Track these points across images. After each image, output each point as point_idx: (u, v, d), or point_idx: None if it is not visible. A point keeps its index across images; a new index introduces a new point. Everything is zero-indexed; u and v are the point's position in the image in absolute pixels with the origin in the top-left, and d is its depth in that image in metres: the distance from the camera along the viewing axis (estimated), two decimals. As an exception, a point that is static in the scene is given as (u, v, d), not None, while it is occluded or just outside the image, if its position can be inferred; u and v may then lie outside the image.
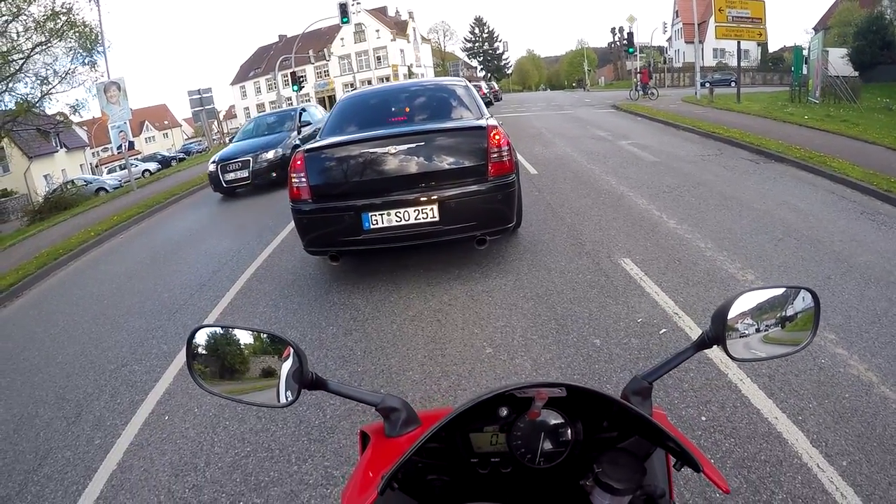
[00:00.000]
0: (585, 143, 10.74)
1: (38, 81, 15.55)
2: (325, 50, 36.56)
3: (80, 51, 15.93)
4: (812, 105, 15.48)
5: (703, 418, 2.40)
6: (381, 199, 3.86)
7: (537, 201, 6.28)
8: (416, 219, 3.85)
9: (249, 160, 9.32)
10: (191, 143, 43.12)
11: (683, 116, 13.81)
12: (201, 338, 0.90)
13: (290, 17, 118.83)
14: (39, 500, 2.51)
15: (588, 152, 9.57)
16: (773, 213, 5.33)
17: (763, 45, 38.54)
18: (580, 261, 4.34)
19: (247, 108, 52.21)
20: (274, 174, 9.24)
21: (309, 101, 49.20)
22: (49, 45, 15.15)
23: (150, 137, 55.31)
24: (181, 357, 3.57)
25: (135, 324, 4.47)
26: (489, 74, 66.88)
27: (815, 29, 31.86)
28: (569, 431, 0.81)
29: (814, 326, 0.90)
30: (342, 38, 49.42)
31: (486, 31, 71.77)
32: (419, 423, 0.88)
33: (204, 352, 0.90)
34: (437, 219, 3.84)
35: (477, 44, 71.70)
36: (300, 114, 11.05)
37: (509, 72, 74.65)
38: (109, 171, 30.13)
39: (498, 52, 72.37)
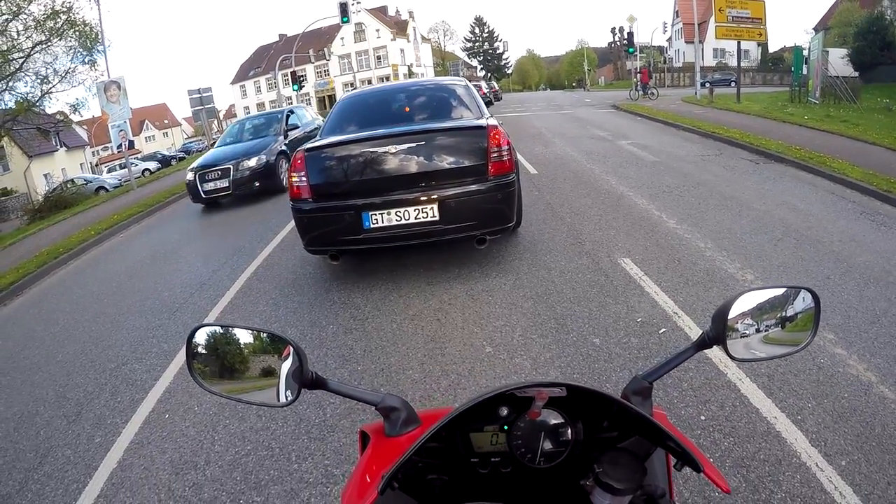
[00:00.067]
0: (585, 143, 10.74)
1: (38, 80, 15.55)
2: (326, 49, 36.54)
3: (81, 50, 15.91)
4: (812, 105, 15.47)
5: (703, 417, 2.40)
6: (381, 198, 3.86)
7: (537, 201, 6.28)
8: (416, 218, 3.85)
9: (230, 168, 8.48)
10: (191, 142, 43.06)
11: (683, 116, 13.81)
12: (201, 337, 0.90)
13: (291, 17, 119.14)
14: (40, 498, 2.52)
15: (588, 152, 9.57)
16: (772, 213, 5.33)
17: (763, 46, 38.53)
18: (580, 260, 4.34)
19: (247, 108, 52.17)
20: (257, 184, 8.57)
21: (309, 100, 49.33)
22: (49, 43, 15.13)
23: (150, 136, 55.30)
24: (181, 356, 3.57)
25: (135, 322, 4.47)
26: (489, 74, 66.85)
27: (816, 29, 31.85)
28: (569, 431, 0.81)
29: (814, 327, 0.90)
30: (342, 38, 49.39)
31: (486, 30, 71.75)
32: (419, 422, 0.88)
33: (204, 351, 0.90)
34: (437, 218, 3.85)
35: (477, 43, 71.67)
36: (287, 116, 10.23)
37: (509, 71, 74.62)
38: (109, 170, 30.07)
39: (498, 51, 72.35)
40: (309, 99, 49.88)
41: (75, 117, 18.94)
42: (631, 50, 29.47)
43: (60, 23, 14.97)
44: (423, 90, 5.25)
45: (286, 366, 0.88)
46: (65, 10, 15.00)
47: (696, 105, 17.55)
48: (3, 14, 14.24)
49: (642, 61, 39.13)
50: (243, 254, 5.73)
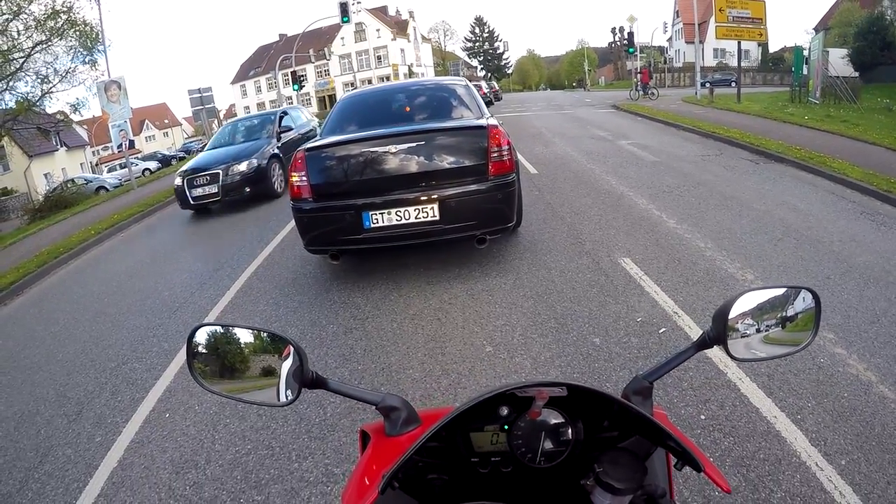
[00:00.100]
0: (585, 143, 10.74)
1: (39, 80, 15.54)
2: (326, 49, 36.56)
3: (81, 49, 15.90)
4: (812, 105, 15.47)
5: (703, 417, 2.40)
6: (381, 198, 3.86)
7: (537, 201, 6.28)
8: (416, 218, 3.86)
9: (219, 173, 8.06)
10: (191, 141, 43.03)
11: (683, 116, 13.81)
12: (201, 336, 0.90)
13: (291, 17, 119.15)
14: (40, 497, 2.52)
15: (588, 152, 9.57)
16: (772, 212, 5.33)
17: (763, 46, 38.51)
18: (580, 260, 4.34)
19: (247, 107, 52.16)
20: (248, 189, 8.18)
21: (309, 100, 49.33)
22: (49, 43, 15.12)
23: (150, 136, 55.29)
24: (182, 355, 3.57)
25: (135, 322, 4.47)
26: (489, 74, 66.84)
27: (816, 29, 31.82)
28: (569, 431, 0.81)
29: (815, 326, 0.90)
30: (342, 38, 49.39)
31: (486, 30, 71.73)
32: (419, 422, 0.88)
33: (204, 350, 0.90)
34: (437, 218, 3.85)
35: (477, 43, 71.65)
36: (280, 118, 9.78)
37: (509, 71, 74.59)
38: (110, 170, 30.06)
39: (498, 51, 72.32)
40: (309, 99, 49.90)
41: (75, 117, 18.95)
42: (631, 50, 29.44)
43: (61, 22, 14.97)
44: (424, 90, 5.25)
45: (286, 365, 0.88)
46: (65, 9, 15.01)
47: (697, 105, 17.55)
48: (4, 14, 14.25)
49: (642, 61, 39.10)
50: (243, 253, 5.73)
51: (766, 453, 2.16)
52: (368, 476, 0.80)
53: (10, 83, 15.03)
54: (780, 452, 2.16)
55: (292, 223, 5.12)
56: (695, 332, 3.09)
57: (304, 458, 2.42)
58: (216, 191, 8.07)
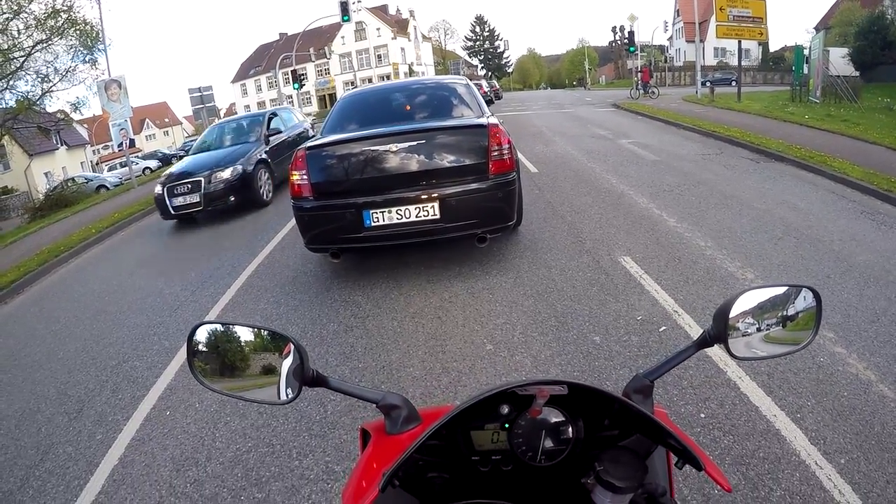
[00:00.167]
0: (586, 142, 10.74)
1: (39, 79, 15.52)
2: (326, 48, 36.62)
3: (81, 48, 15.89)
4: (813, 105, 15.45)
5: (702, 415, 2.40)
6: (382, 196, 3.87)
7: (538, 199, 6.28)
8: (417, 216, 3.86)
9: (201, 181, 7.42)
10: (191, 140, 42.97)
11: (684, 115, 13.79)
12: (202, 334, 0.90)
13: (291, 15, 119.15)
14: (41, 494, 2.52)
15: (588, 151, 9.56)
16: (773, 212, 5.33)
17: (764, 45, 38.51)
18: (580, 259, 4.34)
19: (247, 106, 52.17)
20: (232, 198, 7.52)
21: (310, 99, 49.30)
22: (50, 42, 15.11)
23: (150, 135, 55.30)
24: (182, 353, 3.58)
25: (136, 320, 4.47)
26: (490, 73, 66.77)
27: (817, 28, 31.79)
28: (570, 429, 0.81)
29: (815, 326, 0.90)
30: (343, 37, 49.38)
31: (486, 29, 71.63)
32: (420, 420, 0.88)
33: (205, 349, 0.90)
34: (437, 216, 3.85)
35: (478, 42, 71.56)
36: (269, 119, 9.14)
37: (510, 70, 74.51)
38: (110, 169, 30.00)
39: (499, 50, 72.23)
40: (309, 98, 49.92)
41: (76, 116, 18.92)
42: (632, 49, 29.34)
43: (61, 21, 14.96)
44: (424, 89, 5.25)
45: (287, 363, 0.88)
46: (65, 8, 15.00)
47: (697, 104, 17.53)
48: (4, 13, 14.24)
49: (643, 60, 39.06)
50: (244, 252, 5.73)
51: (766, 452, 2.16)
52: (369, 474, 0.80)
53: (11, 82, 15.03)
54: (779, 451, 2.16)
55: (292, 222, 5.12)
56: (695, 331, 3.09)
57: (305, 455, 2.43)
58: (198, 200, 7.43)
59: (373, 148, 3.91)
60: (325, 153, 4.05)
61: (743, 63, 20.93)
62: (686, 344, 0.91)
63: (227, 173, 7.56)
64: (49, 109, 17.93)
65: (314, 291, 4.33)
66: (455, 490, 0.84)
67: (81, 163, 35.88)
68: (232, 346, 0.90)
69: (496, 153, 3.86)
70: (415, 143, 3.88)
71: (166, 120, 60.04)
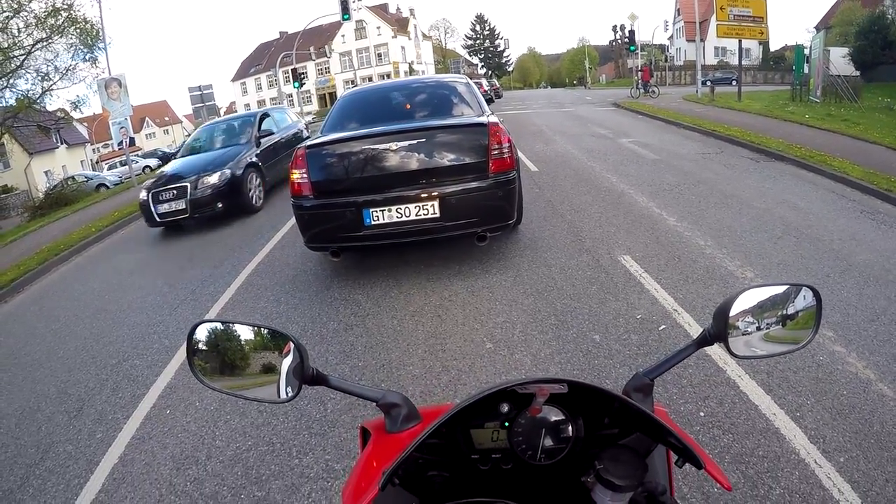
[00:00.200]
0: (586, 141, 10.73)
1: (39, 78, 15.50)
2: (326, 47, 36.60)
3: (81, 47, 15.86)
4: (813, 104, 15.44)
5: (702, 414, 2.41)
6: (382, 195, 3.87)
7: (538, 198, 6.28)
8: (416, 215, 3.86)
9: (187, 186, 7.00)
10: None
11: (684, 115, 13.78)
12: (202, 333, 0.90)
13: (292, 14, 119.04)
14: (41, 493, 2.53)
15: (588, 150, 9.56)
16: (772, 211, 5.33)
17: (764, 44, 38.44)
18: (580, 257, 4.34)
19: (247, 105, 52.15)
20: (220, 205, 7.08)
21: (310, 97, 49.24)
22: (50, 41, 15.08)
23: (150, 134, 55.23)
24: (182, 352, 3.58)
25: (136, 319, 4.48)
26: (490, 72, 66.73)
27: (817, 28, 31.78)
28: (570, 428, 0.82)
29: (815, 325, 0.90)
30: (343, 35, 49.34)
31: (487, 28, 71.57)
32: (420, 418, 0.88)
33: (204, 347, 0.90)
34: (437, 215, 3.85)
35: (478, 41, 71.51)
36: (260, 120, 8.67)
37: (510, 69, 74.46)
38: (110, 168, 30.00)
39: (499, 49, 72.17)
40: (310, 96, 49.88)
41: (76, 114, 18.92)
42: (632, 48, 29.34)
43: (61, 20, 14.93)
44: (424, 87, 5.25)
45: (287, 362, 0.88)
46: (66, 7, 14.97)
47: (697, 103, 17.51)
48: (4, 11, 14.22)
49: (643, 59, 39.03)
50: (244, 251, 5.73)
51: (766, 450, 2.16)
52: (369, 472, 0.80)
53: (11, 80, 15.02)
54: (779, 449, 2.16)
55: (292, 221, 5.12)
56: (694, 330, 3.09)
57: (305, 454, 2.43)
58: (184, 206, 7.01)
59: (373, 147, 3.91)
60: (326, 152, 4.05)
61: (743, 62, 20.90)
62: (686, 343, 0.91)
63: (214, 178, 7.14)
64: (49, 108, 17.93)
65: (314, 290, 4.33)
66: (455, 488, 0.84)
67: (81, 161, 35.85)
68: (232, 344, 0.90)
69: (496, 152, 3.86)
70: (415, 141, 3.88)
71: (166, 118, 59.95)
